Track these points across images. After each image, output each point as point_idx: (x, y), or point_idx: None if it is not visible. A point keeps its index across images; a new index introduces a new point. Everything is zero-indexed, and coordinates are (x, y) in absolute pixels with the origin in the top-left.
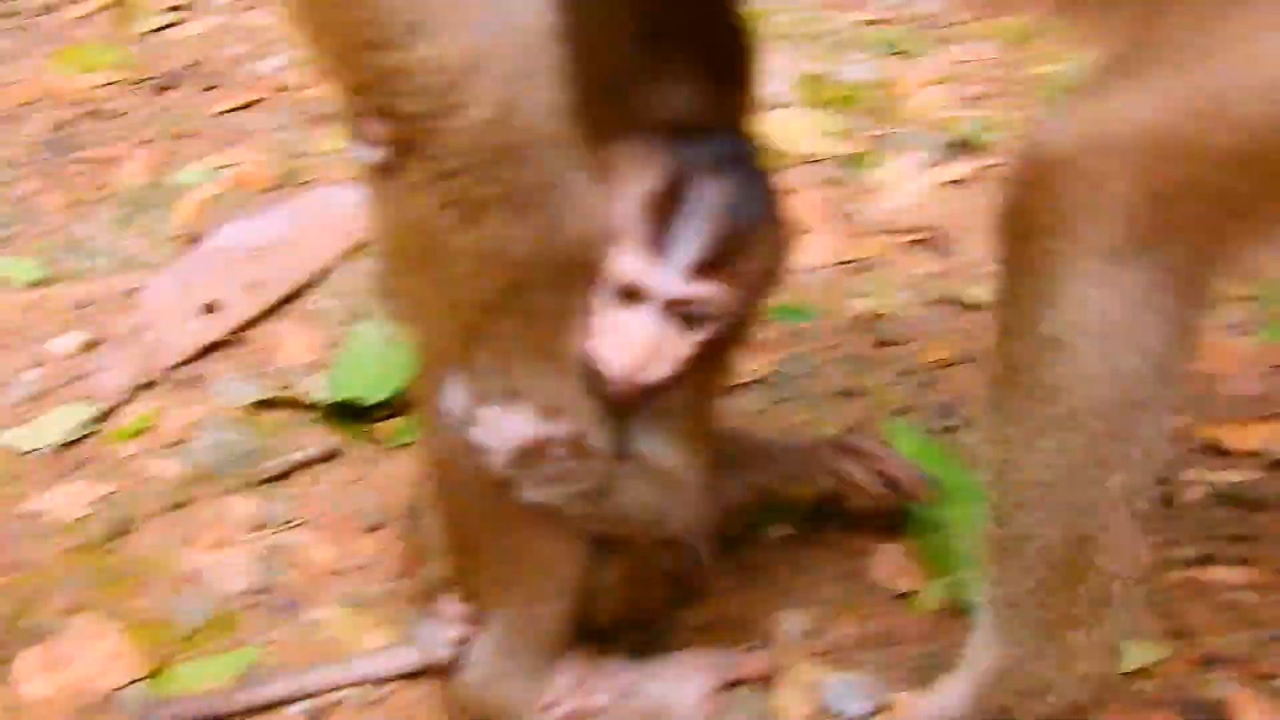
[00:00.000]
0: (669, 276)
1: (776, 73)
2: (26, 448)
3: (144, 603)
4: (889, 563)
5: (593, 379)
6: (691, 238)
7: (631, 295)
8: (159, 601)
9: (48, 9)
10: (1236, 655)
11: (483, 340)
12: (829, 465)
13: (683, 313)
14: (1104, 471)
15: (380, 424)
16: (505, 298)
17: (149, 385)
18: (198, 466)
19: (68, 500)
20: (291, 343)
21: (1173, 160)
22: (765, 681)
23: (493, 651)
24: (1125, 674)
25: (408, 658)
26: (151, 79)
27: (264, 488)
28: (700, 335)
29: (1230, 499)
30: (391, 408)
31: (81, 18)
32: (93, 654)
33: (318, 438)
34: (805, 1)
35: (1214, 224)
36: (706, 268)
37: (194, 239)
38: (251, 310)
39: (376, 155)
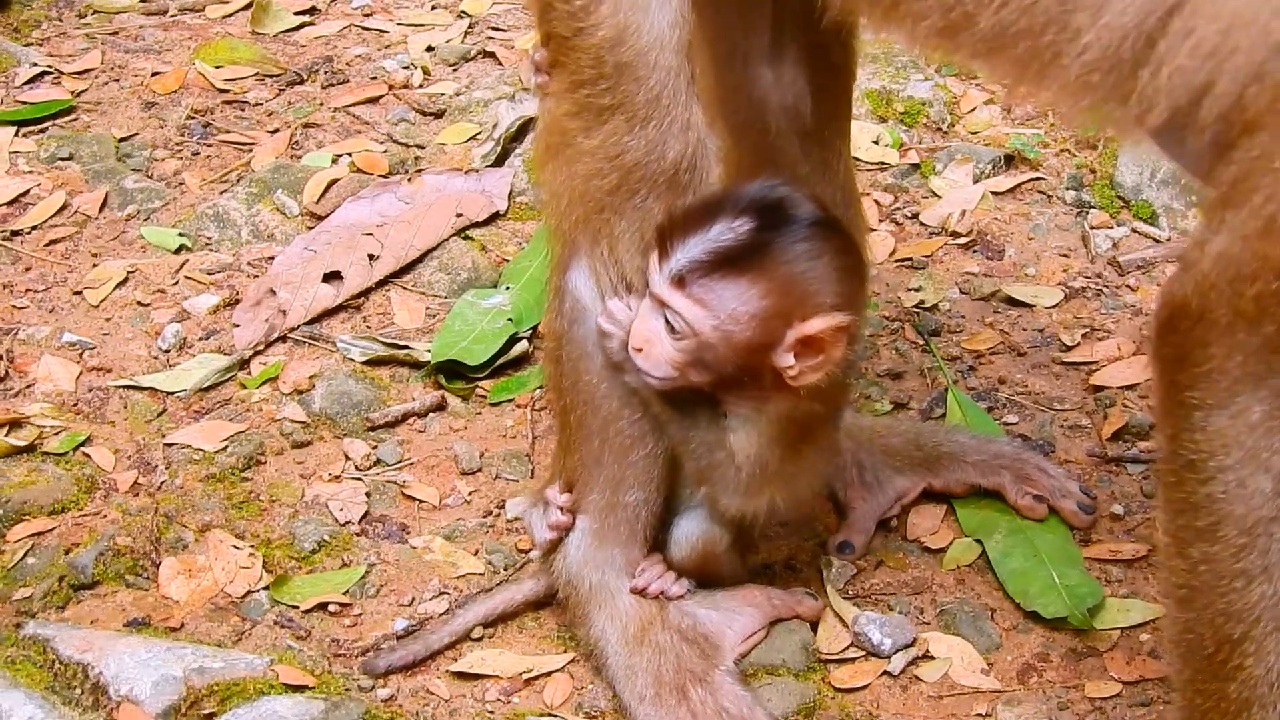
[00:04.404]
0: (659, 278)
1: None
2: (171, 389)
3: (269, 524)
4: (926, 522)
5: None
6: (684, 254)
7: (645, 286)
8: (281, 524)
9: (193, 8)
10: None
11: (601, 234)
12: (1010, 485)
13: (666, 316)
14: (1246, 581)
15: (480, 383)
16: (618, 197)
17: (277, 341)
18: (318, 412)
19: (205, 436)
20: (402, 309)
21: (1248, 279)
22: (809, 619)
23: (587, 537)
24: None
25: (535, 587)
26: (284, 74)
27: (375, 433)
28: (684, 346)
29: None
30: (489, 369)
31: (223, 17)
32: (224, 564)
33: (423, 392)
34: None
35: None
36: (683, 282)
37: (318, 216)
38: (368, 280)
39: (541, 78)
